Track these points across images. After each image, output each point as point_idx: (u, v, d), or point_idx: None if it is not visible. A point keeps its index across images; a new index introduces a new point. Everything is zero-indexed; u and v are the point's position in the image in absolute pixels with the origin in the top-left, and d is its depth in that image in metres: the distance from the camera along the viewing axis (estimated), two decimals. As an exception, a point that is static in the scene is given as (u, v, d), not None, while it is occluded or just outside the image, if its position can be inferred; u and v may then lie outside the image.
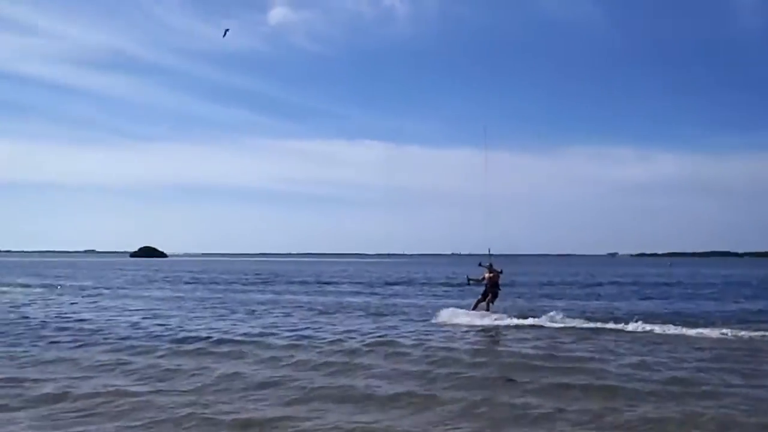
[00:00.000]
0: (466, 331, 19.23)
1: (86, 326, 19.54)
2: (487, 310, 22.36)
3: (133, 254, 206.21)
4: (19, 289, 37.66)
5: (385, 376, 12.22)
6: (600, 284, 48.53)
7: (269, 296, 34.17)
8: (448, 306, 24.13)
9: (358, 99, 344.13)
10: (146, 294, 35.04)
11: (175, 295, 34.57)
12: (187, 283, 48.12)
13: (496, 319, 21.24)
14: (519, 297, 33.04)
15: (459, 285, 39.47)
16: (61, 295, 33.81)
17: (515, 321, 21.01)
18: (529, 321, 20.84)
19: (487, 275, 22.64)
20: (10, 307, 26.30)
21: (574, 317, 21.68)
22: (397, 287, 42.97)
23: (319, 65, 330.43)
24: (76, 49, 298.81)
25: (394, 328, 19.82)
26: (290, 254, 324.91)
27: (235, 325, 20.33)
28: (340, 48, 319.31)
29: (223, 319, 22.00)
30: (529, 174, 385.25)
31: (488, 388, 11.22)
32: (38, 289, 37.83)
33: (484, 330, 19.65)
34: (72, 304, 28.20)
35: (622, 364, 13.55)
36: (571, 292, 38.34)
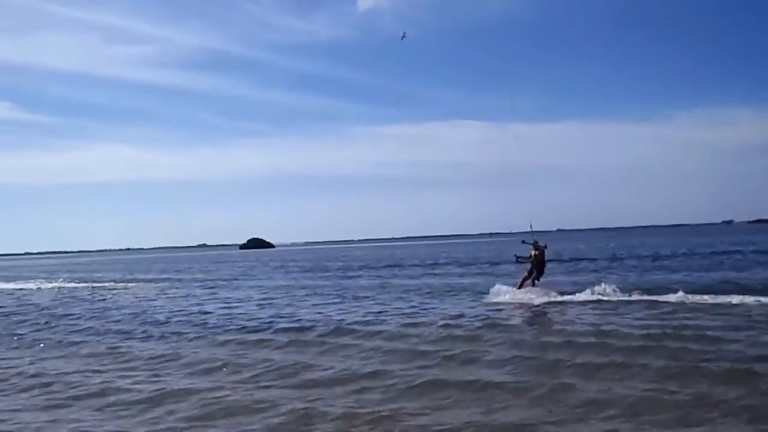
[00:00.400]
0: (537, 308, 19.44)
1: (210, 317, 20.51)
2: (533, 286, 22.26)
3: (243, 246, 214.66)
4: (145, 284, 39.94)
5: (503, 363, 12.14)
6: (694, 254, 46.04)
7: (377, 281, 34.62)
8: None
9: (452, 79, 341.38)
10: (259, 284, 36.37)
11: (286, 283, 35.69)
12: (296, 271, 49.61)
13: (543, 296, 21.21)
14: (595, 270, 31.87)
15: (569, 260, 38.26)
16: (180, 288, 35.60)
17: (562, 297, 20.98)
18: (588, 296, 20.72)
19: (533, 252, 22.28)
20: (140, 300, 28.05)
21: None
22: (504, 266, 42.47)
23: (410, 49, 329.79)
24: (183, 53, 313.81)
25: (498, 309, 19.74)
26: (393, 238, 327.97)
27: (348, 311, 20.73)
28: (430, 29, 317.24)
29: (336, 306, 22.48)
30: (635, 143, 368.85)
31: (622, 372, 10.90)
32: (162, 284, 40.05)
33: (552, 305, 19.48)
34: (193, 296, 29.70)
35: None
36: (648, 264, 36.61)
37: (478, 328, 15.71)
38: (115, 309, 24.53)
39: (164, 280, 44.77)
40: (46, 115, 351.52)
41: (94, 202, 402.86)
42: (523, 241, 22.98)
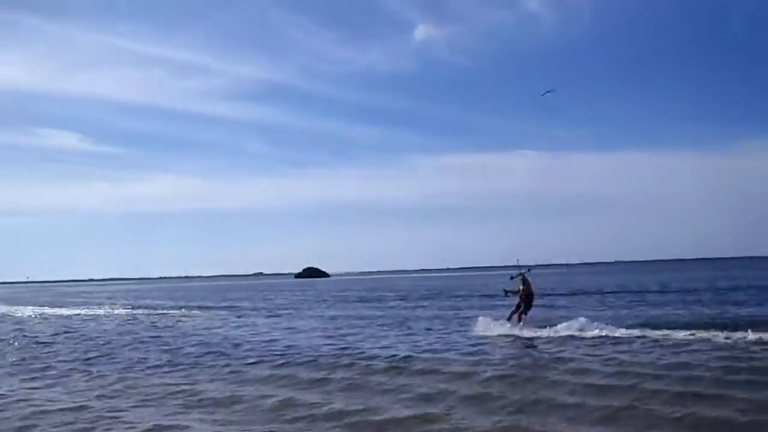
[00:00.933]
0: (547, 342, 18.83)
1: (275, 346, 20.59)
2: (519, 321, 22.62)
3: (298, 275, 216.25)
4: (207, 312, 40.55)
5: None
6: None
7: (434, 311, 34.32)
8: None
9: (508, 109, 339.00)
10: (319, 313, 36.50)
11: (346, 313, 35.71)
12: (354, 301, 49.66)
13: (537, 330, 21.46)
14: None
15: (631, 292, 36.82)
16: (240, 317, 35.97)
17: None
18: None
19: (521, 287, 22.85)
20: (205, 329, 28.42)
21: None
22: (569, 298, 41.51)
23: (466, 78, 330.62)
24: (246, 86, 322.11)
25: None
26: (449, 269, 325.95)
27: (410, 342, 20.53)
28: (485, 58, 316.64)
29: (398, 337, 22.29)
30: (712, 172, 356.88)
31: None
32: (222, 312, 40.61)
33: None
34: (255, 325, 29.97)
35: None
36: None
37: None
38: (183, 337, 24.90)
39: (226, 308, 45.36)
40: (113, 147, 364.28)
41: (156, 231, 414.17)
42: (512, 277, 24.13)
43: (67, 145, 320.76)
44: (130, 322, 34.22)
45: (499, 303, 39.65)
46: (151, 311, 43.26)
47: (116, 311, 44.43)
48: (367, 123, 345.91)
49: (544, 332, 21.07)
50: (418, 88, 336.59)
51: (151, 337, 25.10)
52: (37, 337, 26.58)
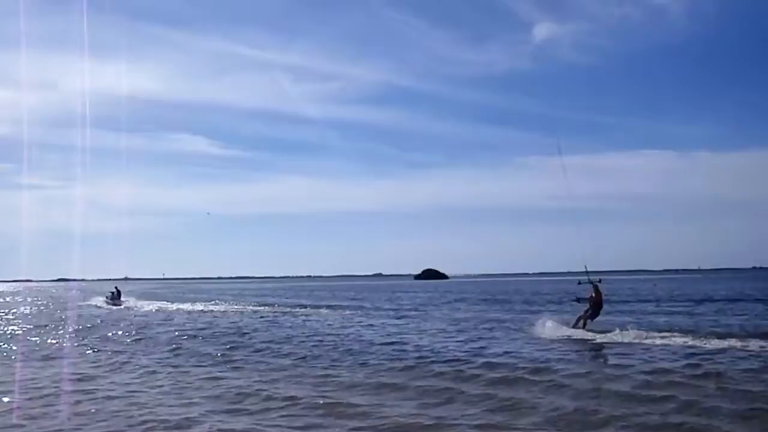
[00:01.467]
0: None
1: (410, 347, 20.62)
2: (583, 327, 23.13)
3: (417, 276, 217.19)
4: (332, 311, 41.45)
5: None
6: None
7: (566, 316, 33.21)
8: None
9: (632, 108, 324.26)
10: (445, 315, 36.35)
11: (471, 315, 35.36)
12: (477, 303, 49.14)
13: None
14: None
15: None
16: (367, 316, 36.43)
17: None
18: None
19: (592, 294, 23.19)
20: (334, 327, 29.06)
21: None
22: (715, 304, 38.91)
23: (588, 77, 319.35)
24: (363, 89, 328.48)
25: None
26: (570, 273, 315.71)
27: (544, 348, 19.96)
28: (610, 56, 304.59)
29: (526, 342, 21.73)
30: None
31: None
32: (348, 311, 41.30)
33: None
34: (384, 325, 30.25)
35: None
36: None
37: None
38: (313, 335, 25.54)
39: (349, 307, 46.25)
40: (239, 150, 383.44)
41: (279, 232, 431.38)
42: (579, 282, 24.63)
43: (199, 149, 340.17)
44: (263, 318, 35.59)
45: (628, 309, 37.95)
46: (280, 309, 44.88)
47: (248, 308, 46.44)
48: (483, 124, 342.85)
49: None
50: (537, 87, 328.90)
51: (286, 336, 25.86)
52: (184, 330, 28.23)
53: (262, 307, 46.73)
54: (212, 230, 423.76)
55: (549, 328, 23.59)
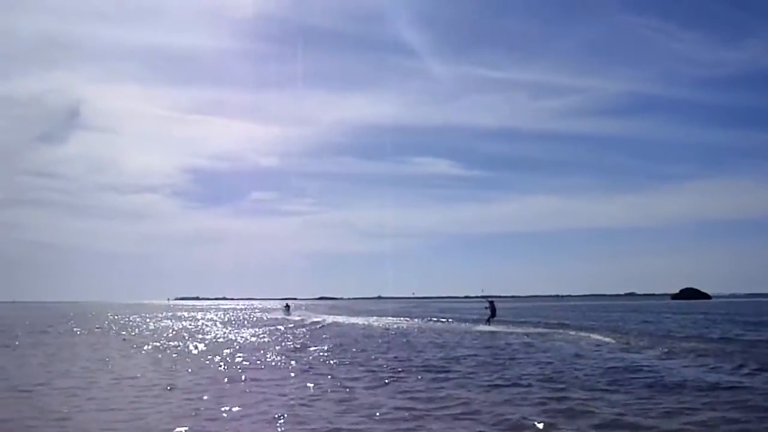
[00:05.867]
0: None
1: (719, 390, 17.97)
2: None
3: (674, 296, 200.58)
4: (589, 334, 38.46)
5: None
6: None
7: None
8: None
9: None
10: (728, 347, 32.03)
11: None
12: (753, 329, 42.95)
13: None
14: None
15: None
16: (631, 344, 33.35)
17: None
18: None
19: None
20: (607, 352, 26.82)
21: None
22: None
23: None
24: (604, 100, 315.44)
25: None
26: None
27: None
28: None
29: None
30: None
31: None
32: (603, 336, 37.22)
33: None
34: (661, 358, 27.27)
35: None
36: None
37: None
38: (583, 359, 23.81)
39: (609, 330, 42.78)
40: (480, 170, 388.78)
41: (522, 251, 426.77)
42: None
43: (441, 171, 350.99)
44: (519, 341, 34.35)
45: None
46: (535, 329, 43.26)
47: (500, 329, 45.46)
48: (744, 127, 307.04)
49: None
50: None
51: (547, 360, 24.44)
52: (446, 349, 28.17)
53: (519, 329, 45.42)
54: (457, 250, 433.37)
55: None
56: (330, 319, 67.88)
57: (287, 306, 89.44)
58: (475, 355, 25.47)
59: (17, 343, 34.22)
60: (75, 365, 22.84)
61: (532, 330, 43.00)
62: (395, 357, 24.98)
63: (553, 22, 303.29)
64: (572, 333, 39.23)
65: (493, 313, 48.44)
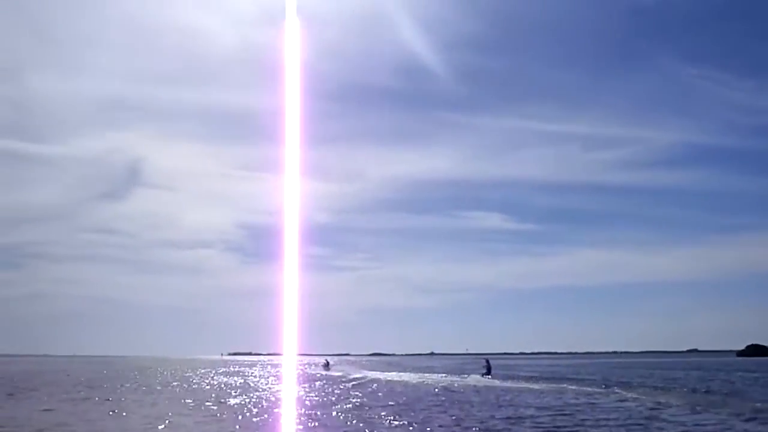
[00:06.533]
0: None
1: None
2: None
3: (740, 353, 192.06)
4: (660, 396, 37.32)
5: None
6: None
7: None
8: None
9: None
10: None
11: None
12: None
13: None
14: None
15: None
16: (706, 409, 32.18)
17: None
18: None
19: None
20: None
21: None
22: None
23: None
24: (656, 151, 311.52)
25: None
26: None
27: None
28: None
29: None
30: None
31: None
32: (672, 398, 35.99)
33: None
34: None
35: None
36: None
37: None
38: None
39: (686, 392, 41.16)
40: (532, 224, 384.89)
41: (577, 305, 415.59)
42: None
43: (493, 225, 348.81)
44: (577, 398, 33.61)
45: None
46: (592, 388, 42.08)
47: (552, 385, 44.49)
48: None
49: None
50: None
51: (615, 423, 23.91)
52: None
53: (572, 385, 44.36)
54: (510, 305, 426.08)
55: None
56: (372, 375, 67.96)
57: (327, 363, 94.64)
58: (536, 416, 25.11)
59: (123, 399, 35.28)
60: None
61: (591, 389, 41.87)
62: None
63: (604, 72, 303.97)
64: (630, 394, 38.01)
65: (489, 370, 56.97)
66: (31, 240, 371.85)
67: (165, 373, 77.36)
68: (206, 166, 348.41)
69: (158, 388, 46.50)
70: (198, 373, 77.90)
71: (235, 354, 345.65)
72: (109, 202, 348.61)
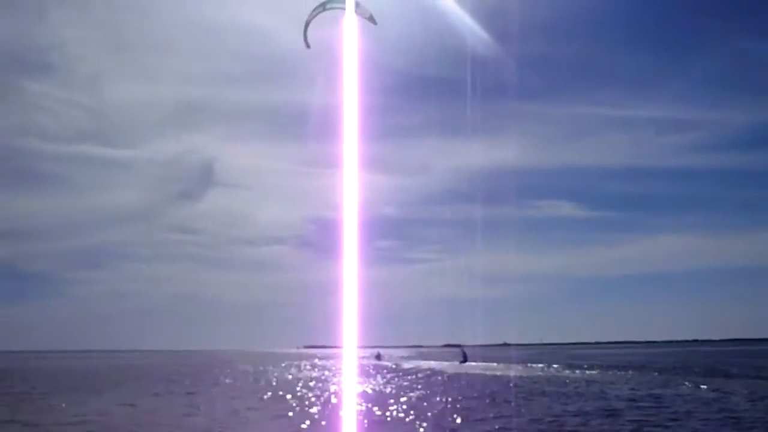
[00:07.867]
0: None
1: None
2: None
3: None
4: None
5: None
6: None
7: None
8: None
9: None
10: None
11: None
12: None
13: None
14: None
15: None
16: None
17: None
18: None
19: None
20: None
21: None
22: None
23: None
24: (734, 133, 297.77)
25: None
26: None
27: None
28: None
29: None
30: None
31: None
32: None
33: None
34: None
35: None
36: None
37: None
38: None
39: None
40: (606, 211, 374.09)
41: (655, 292, 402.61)
42: None
43: (565, 213, 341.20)
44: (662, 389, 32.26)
45: None
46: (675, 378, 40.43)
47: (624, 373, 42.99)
48: None
49: None
50: None
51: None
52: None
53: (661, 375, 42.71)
54: (585, 294, 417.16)
55: None
56: (424, 364, 68.70)
57: (378, 354, 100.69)
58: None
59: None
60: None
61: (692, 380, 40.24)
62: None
63: (674, 54, 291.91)
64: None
65: (465, 358, 65.53)
66: (113, 240, 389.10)
67: (243, 367, 79.17)
68: (275, 163, 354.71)
69: (232, 382, 47.56)
70: (274, 366, 79.36)
71: (309, 347, 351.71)
72: (186, 202, 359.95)
